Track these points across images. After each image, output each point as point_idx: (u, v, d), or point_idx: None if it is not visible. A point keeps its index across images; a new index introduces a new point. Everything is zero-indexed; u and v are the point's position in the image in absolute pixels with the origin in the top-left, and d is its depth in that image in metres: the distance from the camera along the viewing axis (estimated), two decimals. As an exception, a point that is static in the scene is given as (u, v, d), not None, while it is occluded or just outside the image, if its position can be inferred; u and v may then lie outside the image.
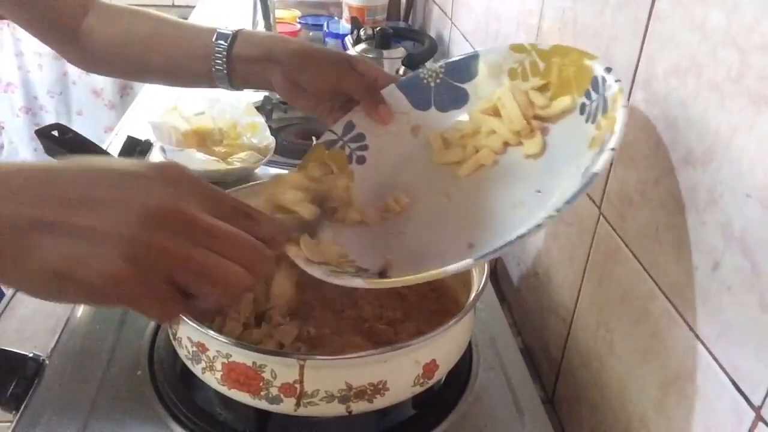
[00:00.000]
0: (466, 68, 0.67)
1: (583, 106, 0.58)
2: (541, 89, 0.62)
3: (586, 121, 0.57)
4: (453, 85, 0.68)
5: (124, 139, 1.02)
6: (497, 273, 1.01)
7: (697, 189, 0.51)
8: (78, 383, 0.61)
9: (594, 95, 0.57)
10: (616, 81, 0.54)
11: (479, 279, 0.61)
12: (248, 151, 1.01)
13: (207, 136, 1.05)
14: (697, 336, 0.51)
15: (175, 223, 0.40)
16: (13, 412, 0.59)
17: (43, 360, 0.63)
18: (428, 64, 0.67)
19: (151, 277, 0.39)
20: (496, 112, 0.64)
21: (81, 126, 2.50)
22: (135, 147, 1.00)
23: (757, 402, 0.44)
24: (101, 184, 0.40)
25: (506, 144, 0.63)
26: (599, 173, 0.48)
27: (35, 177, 0.40)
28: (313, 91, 0.72)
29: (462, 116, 0.67)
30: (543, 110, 0.61)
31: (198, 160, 0.95)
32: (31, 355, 0.63)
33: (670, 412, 0.55)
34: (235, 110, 1.07)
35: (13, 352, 0.62)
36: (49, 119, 2.59)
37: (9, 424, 0.59)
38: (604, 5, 0.68)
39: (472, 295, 0.59)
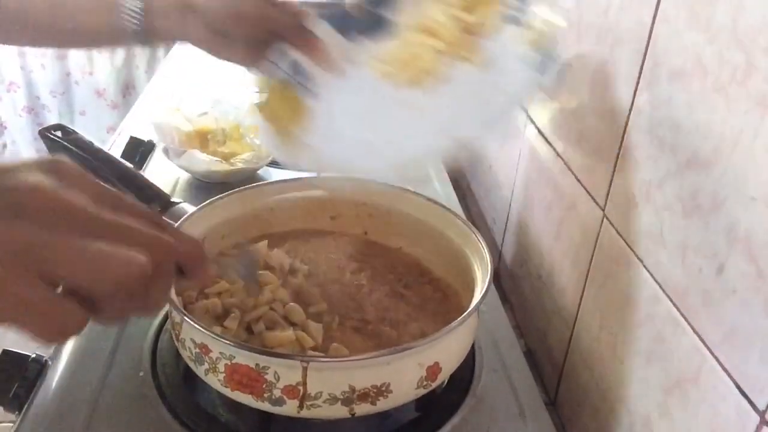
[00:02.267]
0: None
1: (510, 17, 0.58)
2: (466, 8, 0.61)
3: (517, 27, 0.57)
4: (377, 13, 0.65)
5: (127, 140, 1.02)
6: (500, 275, 1.01)
7: (701, 191, 0.51)
8: (80, 384, 0.61)
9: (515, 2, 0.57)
10: None
11: (483, 281, 0.61)
12: (251, 152, 1.01)
13: (210, 136, 1.05)
14: (701, 339, 0.51)
15: (51, 212, 0.34)
16: (16, 412, 0.59)
17: (46, 361, 0.63)
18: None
19: (23, 276, 0.32)
20: (427, 31, 0.62)
21: (83, 126, 2.50)
22: (138, 147, 1.00)
23: (761, 406, 0.44)
24: None
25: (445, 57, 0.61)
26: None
27: None
28: (237, 37, 0.67)
29: (394, 42, 0.64)
30: (473, 27, 0.60)
31: (201, 161, 0.95)
32: (33, 355, 0.63)
33: (674, 416, 0.54)
34: (239, 111, 1.07)
35: (16, 353, 0.62)
36: (51, 119, 2.60)
37: (11, 424, 0.59)
38: (608, 6, 0.67)
39: (476, 298, 0.59)
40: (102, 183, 0.38)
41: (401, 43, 0.63)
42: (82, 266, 0.34)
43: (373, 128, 0.61)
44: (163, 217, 0.43)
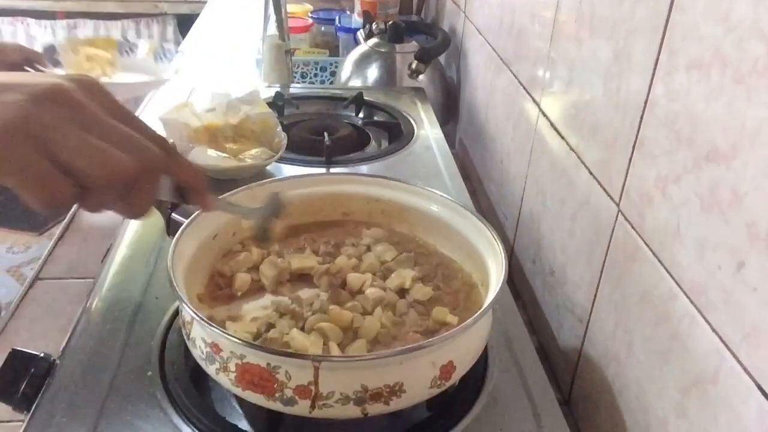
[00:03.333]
0: None
1: None
2: None
3: None
4: None
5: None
6: (512, 270, 1.00)
7: (720, 187, 0.50)
8: (89, 383, 0.61)
9: None
10: None
11: (497, 278, 0.60)
12: (260, 148, 1.00)
13: (218, 132, 1.04)
14: (720, 338, 0.49)
15: (67, 107, 0.41)
16: (25, 412, 0.59)
17: (54, 360, 0.63)
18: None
19: (31, 149, 0.39)
20: None
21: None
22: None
23: (784, 407, 0.43)
24: (11, 76, 0.42)
25: None
26: None
27: None
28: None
29: None
30: None
31: (209, 157, 0.95)
32: (42, 354, 0.62)
33: (692, 417, 0.53)
34: (247, 106, 1.06)
35: (25, 351, 0.62)
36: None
37: (20, 423, 0.58)
38: (623, -3, 0.66)
39: (491, 295, 0.58)
40: (119, 102, 0.45)
41: None
42: (79, 154, 0.41)
43: None
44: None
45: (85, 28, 2.88)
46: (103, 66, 1.24)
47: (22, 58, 0.77)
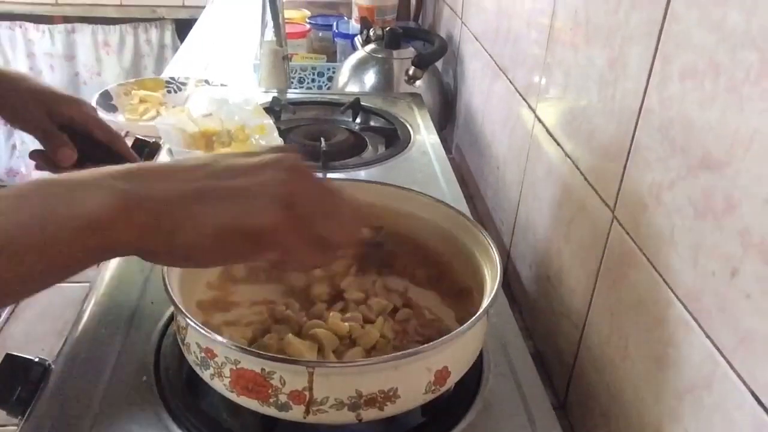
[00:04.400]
0: None
1: None
2: None
3: None
4: None
5: (132, 141, 1.02)
6: (508, 276, 1.00)
7: (714, 193, 0.50)
8: (84, 388, 0.61)
9: None
10: None
11: (492, 284, 0.60)
12: (257, 153, 1.00)
13: (215, 137, 1.04)
14: (714, 344, 0.50)
15: (311, 188, 0.49)
16: (19, 416, 0.59)
17: (49, 365, 0.63)
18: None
19: (304, 224, 0.46)
20: None
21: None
22: (143, 149, 0.99)
23: (777, 414, 0.43)
24: (238, 162, 0.47)
25: None
26: None
27: (173, 165, 0.49)
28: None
29: None
30: None
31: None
32: (37, 359, 0.62)
33: (686, 422, 0.53)
34: (244, 112, 1.06)
35: (20, 356, 0.62)
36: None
37: (14, 428, 0.58)
38: (618, 5, 0.66)
39: (486, 301, 0.58)
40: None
41: None
42: (338, 227, 0.50)
43: None
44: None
45: (83, 33, 2.88)
46: (156, 106, 1.27)
47: (79, 115, 0.80)
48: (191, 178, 0.45)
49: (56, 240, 0.40)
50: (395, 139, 1.14)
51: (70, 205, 0.41)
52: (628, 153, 0.64)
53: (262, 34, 1.35)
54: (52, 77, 2.82)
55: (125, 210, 0.42)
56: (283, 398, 0.51)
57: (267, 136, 1.04)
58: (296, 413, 0.52)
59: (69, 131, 0.78)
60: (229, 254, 0.47)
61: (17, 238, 0.40)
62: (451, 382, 0.56)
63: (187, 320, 0.53)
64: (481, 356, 0.66)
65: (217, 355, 0.53)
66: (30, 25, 2.86)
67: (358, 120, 1.24)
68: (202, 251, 0.45)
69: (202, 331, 0.52)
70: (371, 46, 1.41)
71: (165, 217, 0.43)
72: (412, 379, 0.53)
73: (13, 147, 2.96)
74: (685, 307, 0.54)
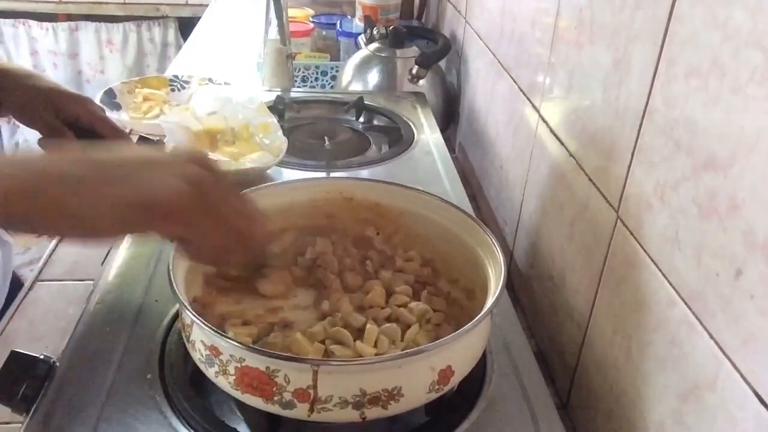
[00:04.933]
0: None
1: None
2: None
3: None
4: None
5: (136, 139, 1.02)
6: (511, 275, 1.00)
7: (718, 194, 0.50)
8: (88, 386, 0.61)
9: None
10: None
11: (496, 283, 0.60)
12: (260, 152, 1.00)
13: (219, 136, 1.04)
14: (718, 345, 0.50)
15: (220, 180, 0.52)
16: (24, 413, 0.59)
17: (54, 362, 0.63)
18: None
19: (211, 208, 0.49)
20: None
21: (94, 124, 2.50)
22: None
23: (781, 414, 0.43)
24: (147, 153, 0.53)
25: None
26: None
27: (86, 155, 0.50)
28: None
29: None
30: None
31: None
32: (42, 356, 0.62)
33: (689, 423, 0.53)
34: (248, 110, 1.06)
35: (25, 354, 0.62)
36: (63, 118, 2.59)
37: (19, 425, 0.58)
38: (623, 4, 0.66)
39: (490, 301, 0.58)
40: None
41: None
42: (244, 222, 0.55)
43: None
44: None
45: (87, 31, 2.88)
46: (159, 104, 1.28)
47: (86, 114, 0.81)
48: (101, 164, 0.48)
49: None
50: (399, 138, 1.14)
51: None
52: (633, 153, 0.64)
53: (266, 33, 1.35)
54: (55, 75, 2.82)
55: (32, 187, 0.46)
56: (287, 396, 0.52)
57: (271, 134, 1.04)
58: (301, 411, 0.52)
59: (75, 128, 0.78)
60: (129, 225, 0.50)
61: None
62: (454, 382, 0.56)
63: (193, 318, 0.53)
64: (484, 356, 0.67)
65: (222, 352, 0.53)
66: (34, 23, 2.86)
67: (361, 119, 1.24)
68: (99, 222, 0.48)
69: (207, 329, 0.52)
70: (375, 45, 1.41)
71: (72, 193, 0.46)
72: (416, 378, 0.54)
73: (17, 145, 2.96)
74: (689, 308, 0.54)
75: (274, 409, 0.53)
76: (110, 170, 0.48)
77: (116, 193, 0.47)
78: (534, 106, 0.94)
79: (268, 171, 1.00)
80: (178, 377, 0.62)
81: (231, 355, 0.53)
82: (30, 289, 0.85)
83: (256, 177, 0.96)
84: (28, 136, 2.73)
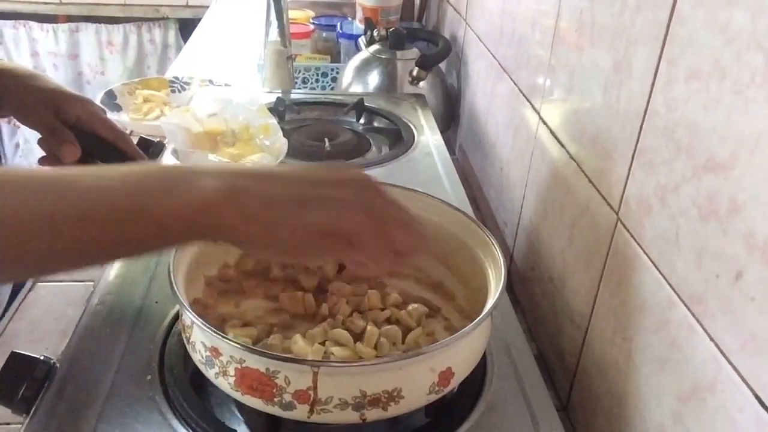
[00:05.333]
0: None
1: None
2: None
3: None
4: None
5: (137, 140, 1.02)
6: (511, 277, 1.00)
7: (718, 196, 0.50)
8: (88, 387, 0.61)
9: None
10: None
11: (496, 285, 0.60)
12: (261, 153, 1.00)
13: (219, 137, 1.04)
14: (717, 347, 0.50)
15: (385, 201, 0.53)
16: (24, 414, 0.59)
17: (54, 363, 0.63)
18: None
19: (382, 231, 0.51)
20: None
21: (95, 126, 2.50)
22: (147, 148, 0.99)
23: (781, 416, 0.43)
24: (326, 176, 0.53)
25: None
26: None
27: (271, 170, 0.56)
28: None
29: None
30: None
31: (210, 162, 0.95)
32: (42, 357, 0.62)
33: (689, 425, 0.53)
34: (248, 112, 1.06)
35: (25, 355, 0.62)
36: (63, 119, 2.59)
37: (19, 426, 0.58)
38: (623, 6, 0.66)
39: (490, 302, 0.58)
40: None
41: None
42: (413, 238, 0.54)
43: None
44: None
45: (87, 33, 2.88)
46: (160, 106, 1.28)
47: (86, 115, 0.81)
48: (289, 183, 0.51)
49: (170, 211, 0.47)
50: (399, 139, 1.15)
51: (188, 185, 0.47)
52: (633, 155, 0.64)
53: (266, 35, 1.35)
54: (55, 76, 2.82)
55: (233, 197, 0.48)
56: (287, 398, 0.52)
57: (271, 136, 1.04)
58: (301, 413, 0.52)
59: (75, 129, 0.78)
60: (319, 251, 0.52)
61: (137, 205, 0.46)
62: (454, 383, 0.56)
63: (193, 319, 0.53)
64: (484, 358, 0.67)
65: (222, 353, 0.54)
66: (34, 24, 2.86)
67: (361, 120, 1.24)
68: (296, 245, 0.50)
69: (208, 330, 0.52)
70: (375, 47, 1.41)
71: (268, 209, 0.48)
72: (416, 380, 0.54)
73: (17, 146, 2.96)
74: (689, 310, 0.54)
75: (274, 410, 0.53)
76: (305, 191, 0.51)
77: (314, 220, 0.50)
78: (534, 108, 0.94)
79: (269, 172, 1.00)
80: (178, 378, 0.62)
81: (231, 356, 0.53)
82: (30, 290, 0.85)
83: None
84: (29, 137, 2.73)
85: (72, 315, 0.72)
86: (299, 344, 0.58)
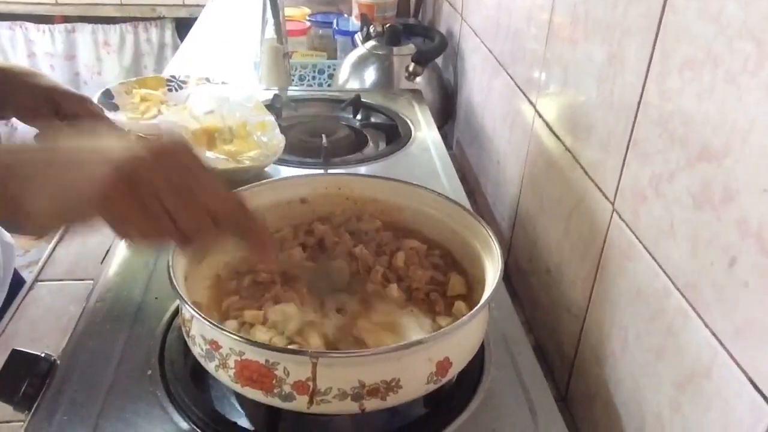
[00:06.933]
0: None
1: None
2: None
3: None
4: None
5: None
6: (508, 269, 1.01)
7: (712, 184, 0.51)
8: (89, 383, 0.61)
9: None
10: None
11: (493, 276, 0.60)
12: (258, 150, 1.01)
13: (217, 134, 1.05)
14: (713, 333, 0.50)
15: (168, 159, 0.49)
16: (25, 412, 0.59)
17: (55, 360, 0.63)
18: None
19: (140, 193, 0.47)
20: None
21: (92, 126, 2.50)
22: (145, 146, 1.00)
23: (775, 400, 0.43)
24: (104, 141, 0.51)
25: None
26: None
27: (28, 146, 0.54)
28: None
29: None
30: None
31: (208, 159, 0.95)
32: (42, 355, 0.63)
33: (686, 411, 0.54)
34: (245, 109, 1.06)
35: (26, 352, 0.62)
36: (60, 119, 2.59)
37: (21, 423, 0.59)
38: (617, -1, 0.67)
39: (487, 293, 0.58)
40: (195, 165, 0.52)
41: None
42: (184, 200, 0.49)
43: None
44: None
45: (84, 33, 2.88)
46: (157, 105, 1.28)
47: (85, 112, 0.81)
48: (41, 149, 0.50)
49: None
50: (396, 135, 1.15)
51: None
52: (628, 146, 0.64)
53: (263, 32, 1.35)
54: (52, 77, 2.82)
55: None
56: (287, 389, 0.52)
57: (268, 132, 1.05)
58: (300, 403, 0.52)
59: (73, 126, 0.79)
60: (65, 217, 0.51)
61: None
62: (452, 373, 0.57)
63: (192, 312, 0.53)
64: (482, 349, 0.67)
65: (221, 346, 0.54)
66: (30, 25, 2.86)
67: (358, 116, 1.25)
68: (41, 215, 0.49)
69: (207, 323, 0.53)
70: (371, 43, 1.41)
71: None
72: (414, 370, 0.54)
73: (15, 147, 2.96)
74: (684, 297, 0.54)
75: (274, 401, 0.53)
76: (62, 156, 0.50)
77: (57, 182, 0.48)
78: (530, 102, 0.94)
79: (266, 169, 1.00)
80: (179, 373, 0.62)
81: (231, 349, 0.53)
82: (30, 288, 0.85)
83: (254, 175, 0.96)
84: (28, 138, 2.73)
85: (72, 313, 0.73)
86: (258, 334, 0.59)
